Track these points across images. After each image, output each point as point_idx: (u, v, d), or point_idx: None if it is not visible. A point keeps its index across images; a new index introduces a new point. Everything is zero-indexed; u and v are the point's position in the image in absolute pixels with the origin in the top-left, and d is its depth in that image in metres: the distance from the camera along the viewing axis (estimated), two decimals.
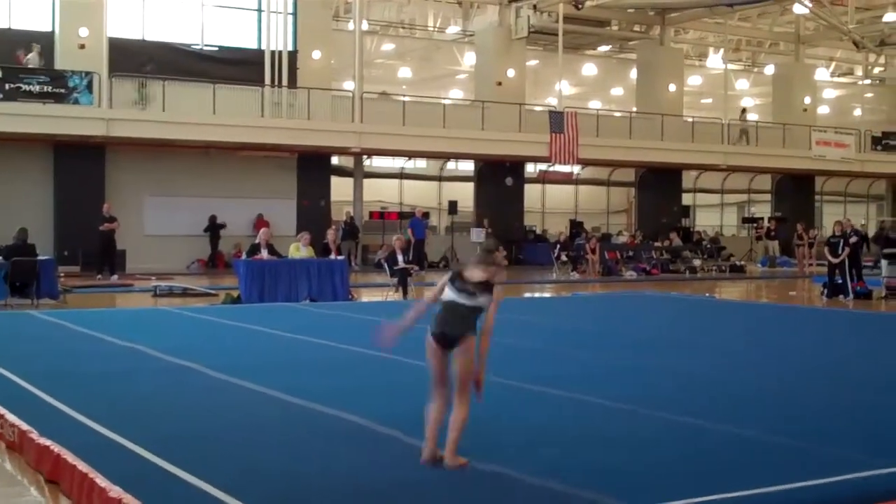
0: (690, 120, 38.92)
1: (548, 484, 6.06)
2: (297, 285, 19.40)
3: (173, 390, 9.20)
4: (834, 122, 45.18)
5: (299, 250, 20.00)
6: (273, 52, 30.36)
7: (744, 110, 41.26)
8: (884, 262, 23.83)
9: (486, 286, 6.56)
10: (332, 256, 20.45)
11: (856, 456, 6.72)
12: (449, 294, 6.57)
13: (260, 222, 28.52)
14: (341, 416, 7.89)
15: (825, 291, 23.00)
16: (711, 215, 45.37)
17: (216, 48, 31.12)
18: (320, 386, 9.34)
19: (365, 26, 35.26)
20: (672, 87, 39.12)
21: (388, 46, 42.96)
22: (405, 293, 20.74)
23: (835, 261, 22.75)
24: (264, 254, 19.59)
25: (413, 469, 6.40)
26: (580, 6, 33.20)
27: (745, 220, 43.10)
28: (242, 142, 29.23)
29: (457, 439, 6.47)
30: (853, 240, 22.84)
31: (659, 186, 38.70)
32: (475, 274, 6.58)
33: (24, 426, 7.26)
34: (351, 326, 15.05)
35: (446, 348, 6.47)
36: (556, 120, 32.42)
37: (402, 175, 37.68)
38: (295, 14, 31.51)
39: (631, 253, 32.85)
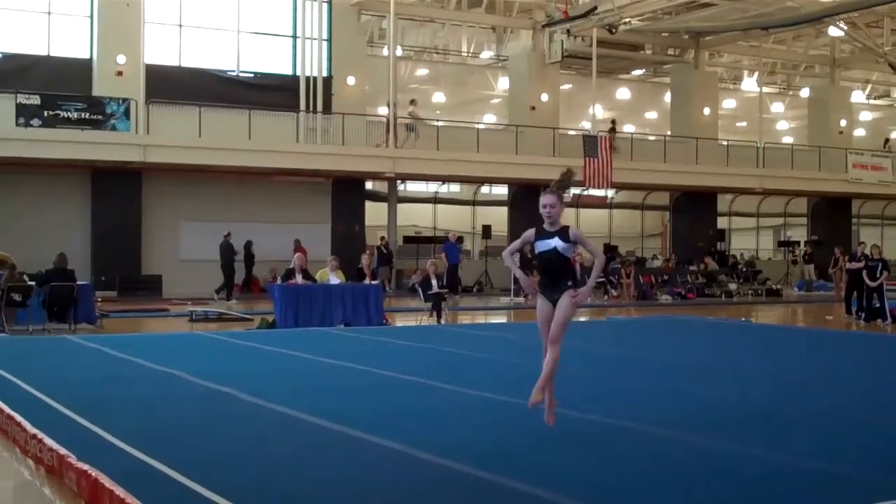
0: (725, 143, 38.78)
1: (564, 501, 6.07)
2: (331, 310, 19.45)
3: (210, 415, 9.21)
4: (870, 145, 44.85)
5: (328, 275, 20.05)
6: (308, 78, 30.61)
7: None
8: None
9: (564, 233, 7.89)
10: (367, 281, 20.50)
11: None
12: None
13: (299, 248, 28.47)
14: (378, 442, 7.87)
15: (862, 315, 22.79)
16: (747, 239, 45.11)
17: (252, 74, 31.42)
18: (356, 410, 9.32)
19: (399, 52, 35.46)
20: (706, 111, 39.05)
21: (422, 71, 43.16)
22: (439, 318, 20.75)
23: (873, 284, 22.58)
24: (299, 279, 19.67)
25: (448, 498, 6.37)
26: (614, 30, 33.22)
27: (781, 244, 42.81)
28: (277, 167, 29.43)
29: (550, 385, 7.96)
30: (858, 264, 22.95)
31: (694, 210, 38.54)
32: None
33: (63, 450, 7.29)
34: (385, 351, 15.06)
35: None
36: (590, 144, 32.40)
37: (436, 199, 37.75)
38: (330, 40, 31.75)
39: (666, 277, 32.71)
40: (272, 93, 30.98)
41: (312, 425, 8.65)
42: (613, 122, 36.56)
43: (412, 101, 32.92)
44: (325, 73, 31.29)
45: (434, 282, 21.09)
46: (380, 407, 9.69)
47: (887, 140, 42.00)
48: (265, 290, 26.57)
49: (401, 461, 7.33)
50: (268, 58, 31.79)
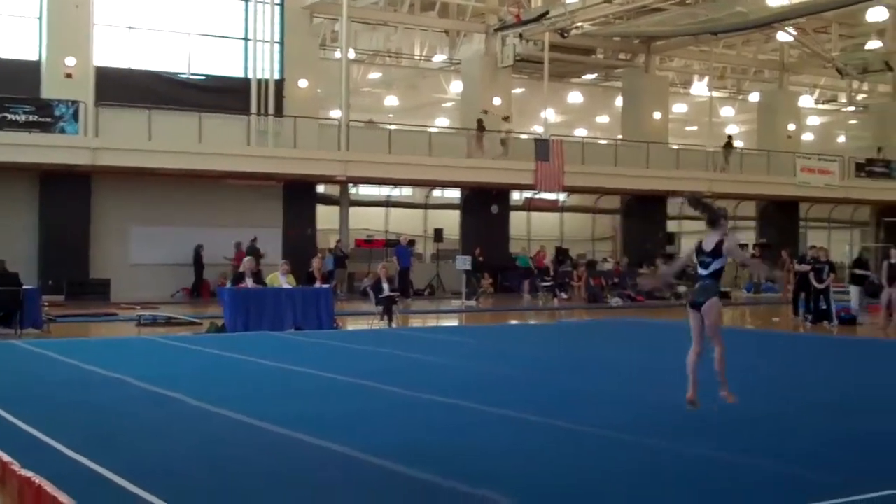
0: (676, 147, 39.12)
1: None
2: (281, 314, 19.37)
3: (157, 420, 9.18)
4: (818, 149, 45.43)
5: (278, 279, 19.98)
6: (259, 81, 30.48)
7: (730, 138, 41.40)
8: (853, 288, 24.04)
9: (717, 251, 9.36)
10: (317, 285, 20.46)
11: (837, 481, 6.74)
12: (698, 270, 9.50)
13: (240, 253, 27.97)
14: (325, 446, 7.88)
15: (808, 318, 23.10)
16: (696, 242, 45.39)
17: (203, 77, 31.22)
18: (304, 414, 9.32)
19: (352, 55, 35.42)
20: (657, 115, 39.37)
21: (374, 75, 43.13)
22: (390, 321, 20.76)
23: (820, 286, 22.88)
24: (249, 282, 19.58)
25: (395, 500, 6.41)
26: (566, 35, 33.40)
27: None
28: (229, 170, 29.21)
29: (723, 372, 9.53)
30: (806, 267, 23.26)
31: (644, 213, 38.81)
32: (709, 243, 9.43)
33: (6, 458, 7.24)
34: (335, 354, 15.06)
35: (697, 310, 9.45)
36: (542, 147, 32.55)
37: (388, 203, 37.73)
38: (282, 43, 31.60)
39: (616, 280, 32.94)
40: (223, 95, 30.76)
41: (259, 429, 8.64)
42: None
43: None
44: (276, 76, 31.13)
45: (385, 285, 21.07)
46: (328, 410, 9.71)
47: (880, 149, 42.42)
48: (215, 293, 26.39)
49: (348, 464, 7.36)
50: (219, 60, 31.57)
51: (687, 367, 9.46)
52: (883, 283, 21.92)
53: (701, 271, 9.56)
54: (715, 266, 9.43)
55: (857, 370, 14.45)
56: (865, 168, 41.09)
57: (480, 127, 33.70)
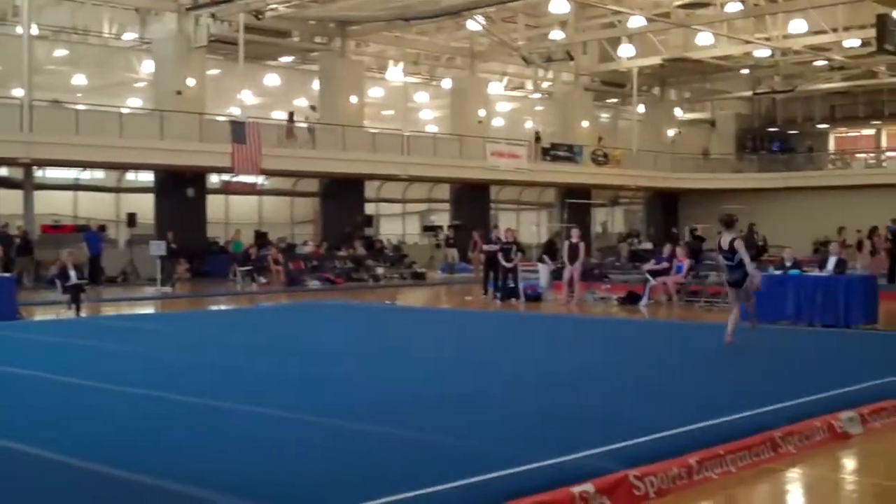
0: (373, 131, 39.68)
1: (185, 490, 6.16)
2: None
3: None
4: (508, 134, 47.35)
5: None
6: None
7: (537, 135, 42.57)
8: (541, 267, 25.34)
9: (733, 248, 13.31)
10: None
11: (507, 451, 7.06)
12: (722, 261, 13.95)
13: None
14: (9, 447, 7.47)
15: (497, 296, 24.10)
16: (394, 224, 46.41)
17: None
18: None
19: (35, 31, 33.52)
20: (354, 99, 39.75)
21: (60, 52, 41.06)
22: (78, 310, 19.96)
23: (508, 265, 23.93)
24: None
25: (85, 499, 6.18)
26: (260, 16, 33.06)
27: (426, 229, 44.41)
28: None
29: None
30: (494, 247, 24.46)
31: (343, 196, 39.14)
32: (725, 241, 13.44)
33: None
34: (16, 347, 14.29)
35: (736, 288, 13.72)
36: (238, 130, 32.11)
37: (77, 186, 36.10)
38: None
39: (316, 263, 33.10)
40: None
41: None
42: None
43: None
44: None
45: (72, 272, 20.21)
46: (7, 407, 9.22)
47: (538, 134, 44.46)
48: None
49: (38, 466, 7.01)
50: None
51: (728, 323, 13.68)
52: (565, 263, 23.25)
53: (727, 263, 13.65)
54: (736, 259, 13.40)
55: (543, 345, 15.18)
56: (550, 152, 43.21)
57: (291, 118, 34.20)
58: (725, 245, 13.47)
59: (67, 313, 20.02)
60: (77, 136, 29.86)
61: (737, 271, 13.49)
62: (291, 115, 35.51)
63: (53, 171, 35.53)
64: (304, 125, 36.02)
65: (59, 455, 7.09)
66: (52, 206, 34.76)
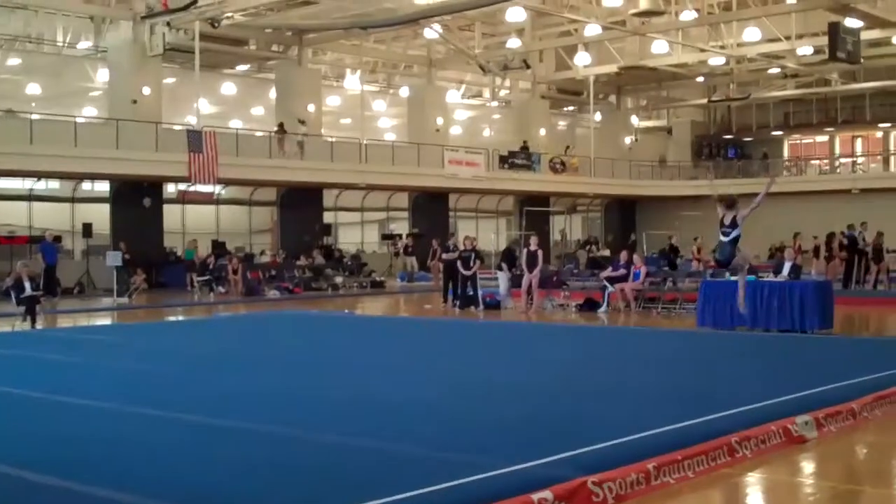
0: (330, 140, 39.60)
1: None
2: None
3: None
4: (466, 142, 47.46)
5: None
6: None
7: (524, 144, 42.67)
8: (500, 275, 25.38)
9: (734, 223, 13.92)
10: None
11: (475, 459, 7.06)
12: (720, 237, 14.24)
13: None
14: None
15: (456, 304, 24.12)
16: (353, 233, 46.33)
17: None
18: None
19: None
20: (311, 107, 39.66)
21: (13, 61, 40.66)
22: (34, 322, 19.75)
23: (467, 273, 23.97)
24: None
25: None
26: (216, 25, 32.94)
27: (385, 237, 44.38)
28: None
29: (743, 290, 15.28)
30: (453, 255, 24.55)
31: (301, 205, 39.03)
32: (728, 218, 14.07)
33: None
34: None
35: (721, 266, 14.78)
36: (195, 139, 31.92)
37: (31, 197, 35.71)
38: None
39: (274, 272, 32.97)
40: None
41: None
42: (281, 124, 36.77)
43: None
44: None
45: (27, 284, 19.99)
46: None
47: (525, 143, 44.70)
48: None
49: None
50: None
51: (739, 290, 15.25)
52: (524, 270, 23.30)
53: (722, 238, 14.13)
54: (734, 234, 14.02)
55: (501, 353, 15.19)
56: (508, 160, 43.33)
57: (281, 129, 34.37)
58: (728, 221, 14.13)
59: (23, 325, 19.81)
60: (31, 145, 29.53)
61: (727, 249, 14.14)
62: (282, 125, 35.37)
63: (7, 182, 35.12)
64: (298, 137, 36.26)
65: (9, 468, 7.00)
66: (7, 216, 34.36)
